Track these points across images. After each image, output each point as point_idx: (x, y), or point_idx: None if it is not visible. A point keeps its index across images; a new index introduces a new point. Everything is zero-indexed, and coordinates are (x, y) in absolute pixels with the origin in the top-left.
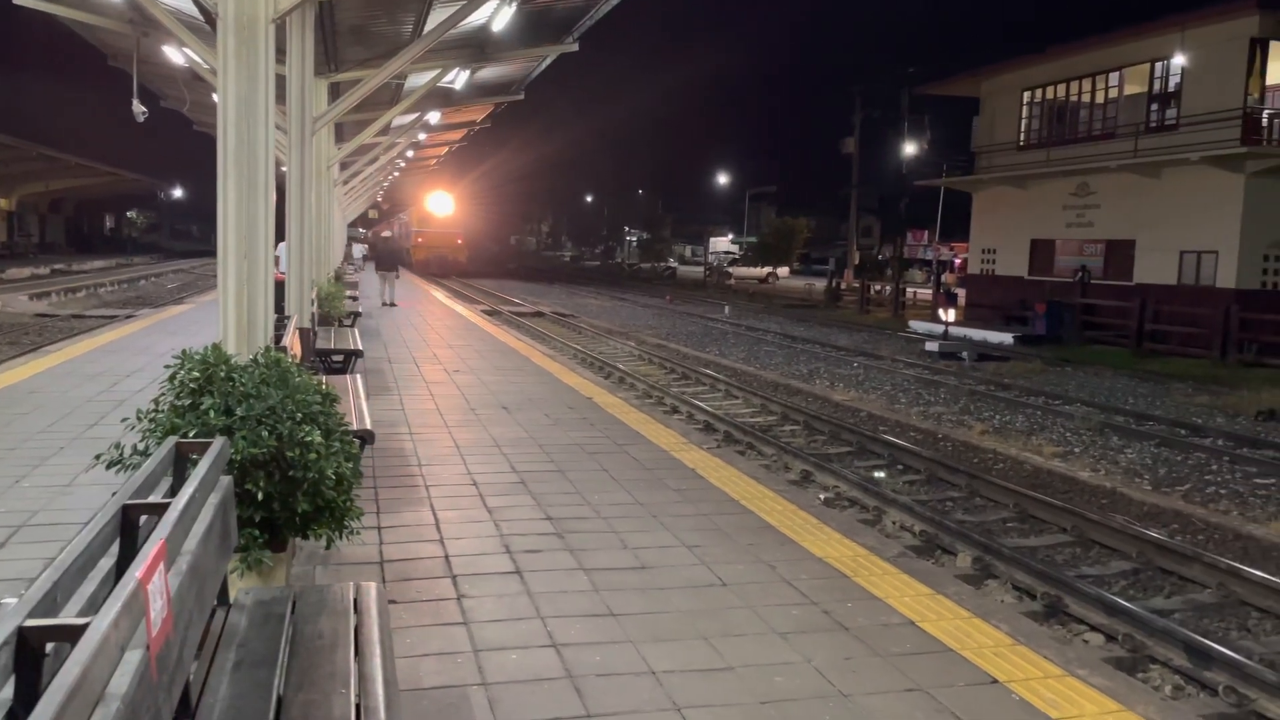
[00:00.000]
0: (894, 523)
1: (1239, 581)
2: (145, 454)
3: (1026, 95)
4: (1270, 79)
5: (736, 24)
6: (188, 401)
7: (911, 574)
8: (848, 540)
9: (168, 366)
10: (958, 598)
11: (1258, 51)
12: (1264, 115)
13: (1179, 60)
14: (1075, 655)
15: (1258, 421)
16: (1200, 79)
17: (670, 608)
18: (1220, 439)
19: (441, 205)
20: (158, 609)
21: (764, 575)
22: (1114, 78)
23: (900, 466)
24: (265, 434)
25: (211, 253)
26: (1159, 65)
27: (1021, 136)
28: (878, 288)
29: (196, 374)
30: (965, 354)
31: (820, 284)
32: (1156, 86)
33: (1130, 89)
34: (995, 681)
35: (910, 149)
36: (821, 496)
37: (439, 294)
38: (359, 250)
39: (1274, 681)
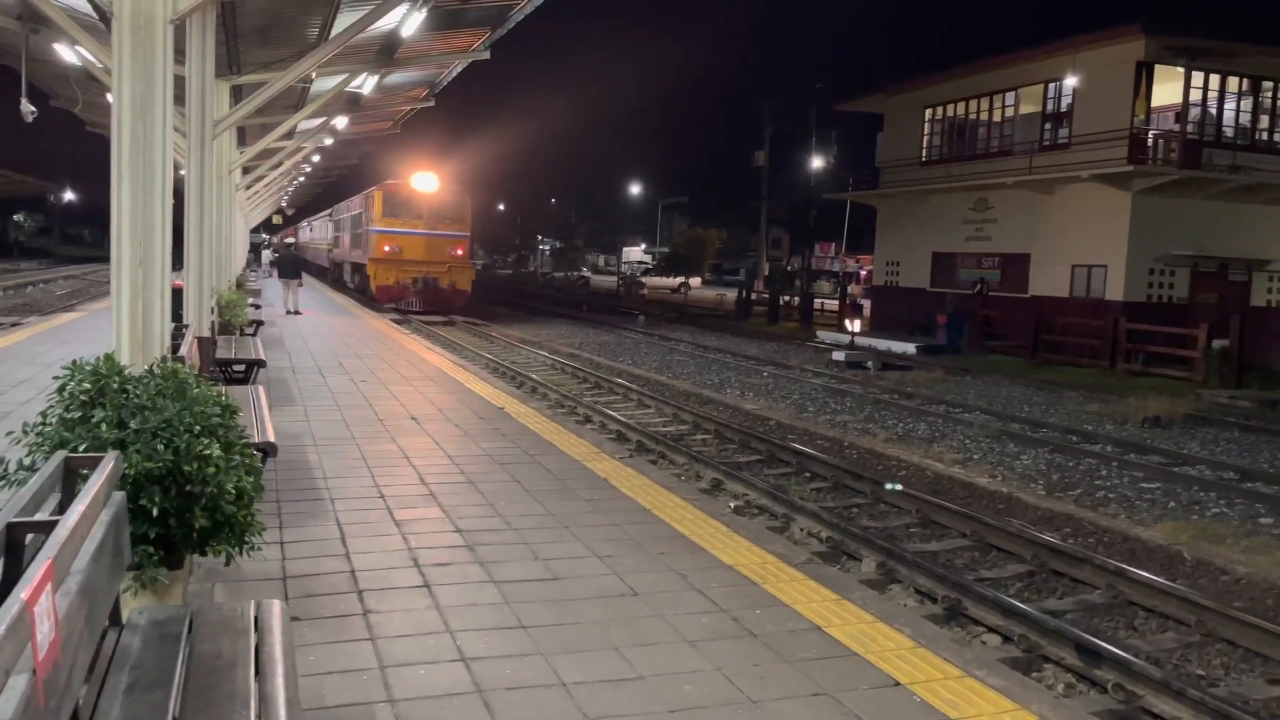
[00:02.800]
0: (802, 529)
1: (1126, 582)
2: (32, 469)
3: (929, 112)
4: (1155, 101)
5: (650, 37)
6: (78, 414)
7: (818, 580)
8: (757, 548)
9: (56, 378)
10: (862, 603)
11: (1143, 75)
12: (1149, 135)
13: (1071, 82)
14: (974, 656)
15: (1144, 428)
16: (1090, 100)
17: (581, 618)
18: (1109, 445)
19: (434, 183)
20: (44, 631)
21: (675, 584)
22: (1010, 97)
23: (808, 474)
24: (161, 447)
25: (105, 258)
26: (1052, 86)
27: (924, 152)
28: (787, 298)
29: (87, 385)
30: (870, 363)
31: (732, 294)
32: (1050, 106)
33: (1026, 108)
34: (898, 684)
35: (818, 163)
36: (732, 505)
37: (345, 301)
38: (268, 256)
39: (1159, 679)
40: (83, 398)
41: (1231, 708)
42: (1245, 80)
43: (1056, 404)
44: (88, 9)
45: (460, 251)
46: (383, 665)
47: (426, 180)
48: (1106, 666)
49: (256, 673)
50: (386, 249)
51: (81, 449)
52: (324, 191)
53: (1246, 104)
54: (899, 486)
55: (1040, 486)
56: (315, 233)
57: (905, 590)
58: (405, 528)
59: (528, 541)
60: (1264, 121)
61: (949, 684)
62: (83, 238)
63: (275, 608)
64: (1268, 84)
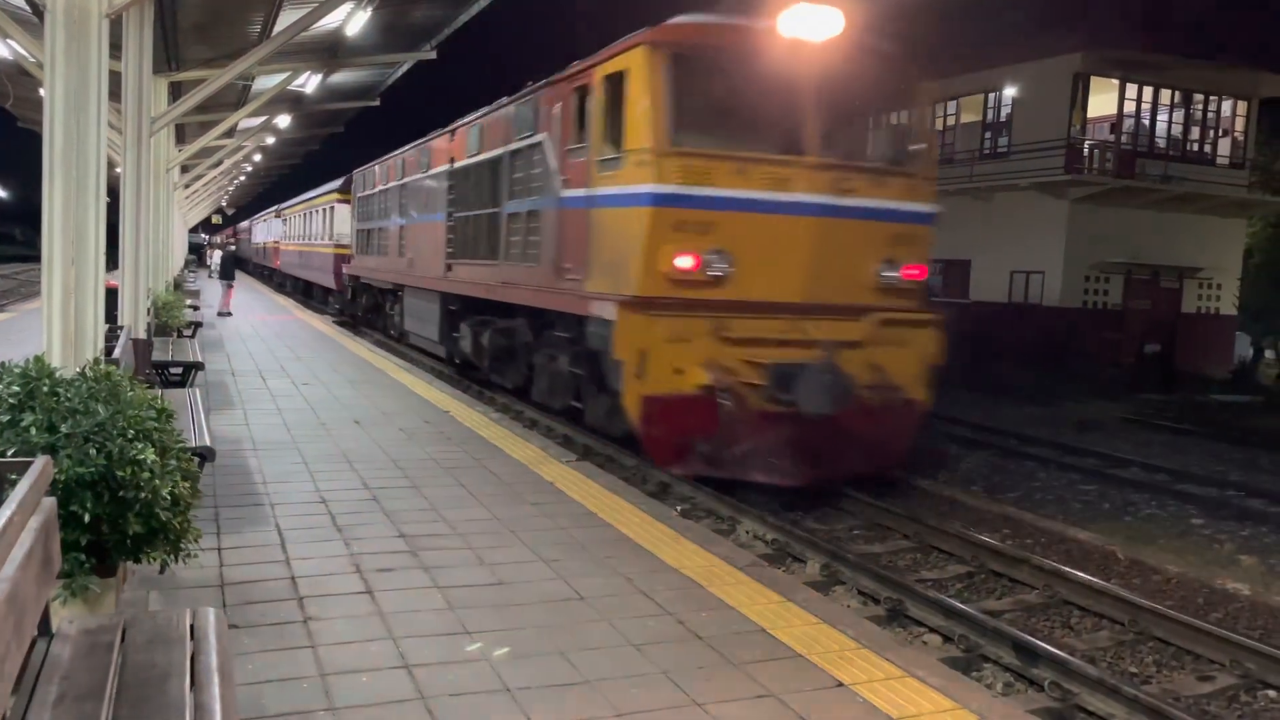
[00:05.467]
0: (747, 532)
1: (1063, 582)
2: None
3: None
4: (1091, 112)
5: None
6: (6, 418)
7: (763, 582)
8: (703, 550)
9: None
10: (807, 604)
11: (1080, 86)
12: (1085, 145)
13: (1010, 92)
14: (915, 656)
15: (1078, 432)
16: (1029, 111)
17: (527, 623)
18: (1046, 448)
19: (840, 32)
20: None
21: (621, 587)
22: (952, 106)
23: None
24: (93, 452)
25: (37, 258)
26: (992, 96)
27: None
28: None
29: (16, 388)
30: None
31: None
32: (990, 116)
33: (966, 118)
34: (841, 685)
35: None
36: (678, 508)
37: (286, 302)
38: (219, 256)
39: (1095, 677)
40: (11, 401)
41: (1163, 704)
42: (1177, 93)
43: (996, 407)
44: (20, 2)
45: (916, 271)
46: (323, 673)
47: (815, 19)
48: (1044, 665)
49: (192, 683)
50: (677, 264)
51: (10, 453)
52: (266, 191)
53: (1179, 116)
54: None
55: (981, 488)
56: (287, 228)
57: (849, 591)
58: (347, 533)
59: (473, 546)
60: (1195, 133)
61: (891, 684)
62: (14, 236)
63: (211, 616)
64: (1198, 96)
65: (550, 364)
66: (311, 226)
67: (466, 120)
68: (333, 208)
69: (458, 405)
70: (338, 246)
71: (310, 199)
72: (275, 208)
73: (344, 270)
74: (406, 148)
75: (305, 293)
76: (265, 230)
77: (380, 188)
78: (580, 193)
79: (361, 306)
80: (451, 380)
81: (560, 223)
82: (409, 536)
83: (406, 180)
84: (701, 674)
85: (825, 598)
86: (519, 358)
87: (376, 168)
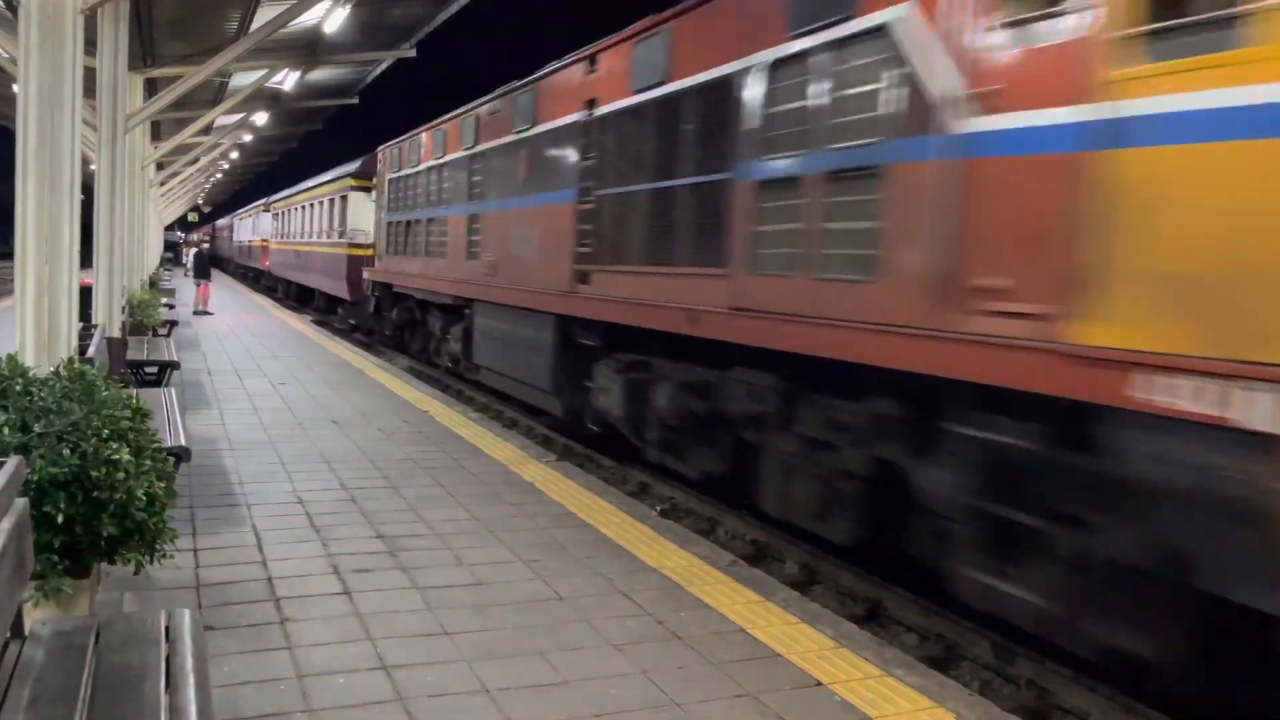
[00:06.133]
0: (727, 532)
1: None
2: None
3: None
4: None
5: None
6: None
7: (743, 582)
8: (682, 550)
9: None
10: (785, 604)
11: None
12: None
13: None
14: (893, 656)
15: None
16: None
17: (506, 624)
18: None
19: None
20: None
21: (600, 588)
22: None
23: None
24: (67, 452)
25: (9, 255)
26: None
27: None
28: None
29: None
30: None
31: None
32: None
33: None
34: (819, 684)
35: None
36: (658, 508)
37: (263, 301)
38: (193, 254)
39: (1070, 675)
40: None
41: (1137, 703)
42: None
43: None
44: None
45: None
46: (300, 674)
47: None
48: (1021, 664)
49: (168, 684)
50: None
51: None
52: (244, 189)
53: None
54: None
55: None
56: (280, 224)
57: (827, 591)
58: (325, 534)
59: (451, 547)
60: None
61: (868, 683)
62: None
63: (187, 617)
64: None
65: (943, 494)
66: (315, 221)
67: (629, 35)
68: (345, 196)
69: (436, 405)
70: (353, 246)
71: (312, 188)
72: (263, 201)
73: (365, 275)
74: (479, 102)
75: (301, 299)
76: (251, 227)
77: (430, 163)
78: (1058, 116)
79: (391, 323)
80: (430, 380)
81: (968, 188)
82: (387, 537)
83: (483, 147)
84: (681, 674)
85: (804, 597)
86: (763, 446)
87: (423, 136)
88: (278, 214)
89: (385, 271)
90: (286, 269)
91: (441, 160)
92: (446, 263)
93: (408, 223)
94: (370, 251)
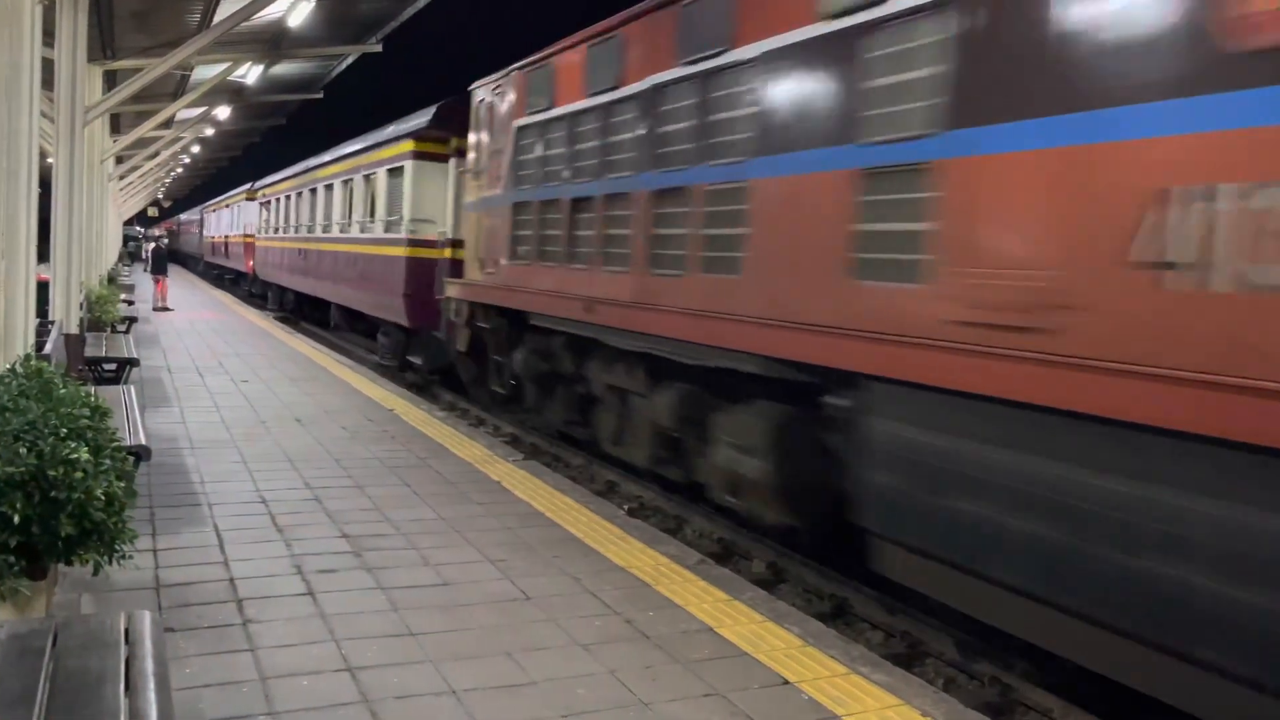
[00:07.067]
0: (694, 531)
1: None
2: None
3: None
4: None
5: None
6: None
7: (710, 581)
8: (650, 549)
9: None
10: (753, 603)
11: None
12: None
13: None
14: (859, 654)
15: None
16: None
17: (472, 624)
18: None
19: None
20: None
21: (568, 587)
22: None
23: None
24: (23, 451)
25: None
26: None
27: None
28: None
29: None
30: None
31: None
32: None
33: None
34: (787, 683)
35: None
36: (625, 507)
37: (225, 297)
38: (151, 250)
39: (1032, 672)
40: None
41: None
42: None
43: None
44: None
45: None
46: (263, 676)
47: None
48: (984, 660)
49: (127, 688)
50: None
51: None
52: (206, 183)
53: None
54: None
55: None
56: (271, 215)
57: (794, 589)
58: (288, 534)
59: (417, 547)
60: None
61: (835, 681)
62: None
63: (147, 619)
64: None
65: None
66: (331, 208)
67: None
68: (401, 168)
69: (402, 403)
70: (413, 245)
71: (327, 163)
72: (246, 187)
73: (449, 293)
74: None
75: (297, 309)
76: (228, 220)
77: (608, 97)
78: None
79: (511, 370)
80: (396, 378)
81: None
82: (352, 537)
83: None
84: (648, 673)
85: (771, 596)
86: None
87: (579, 53)
88: (268, 202)
89: (500, 289)
90: (278, 271)
91: (639, 88)
92: (681, 281)
93: (548, 203)
94: (448, 253)
